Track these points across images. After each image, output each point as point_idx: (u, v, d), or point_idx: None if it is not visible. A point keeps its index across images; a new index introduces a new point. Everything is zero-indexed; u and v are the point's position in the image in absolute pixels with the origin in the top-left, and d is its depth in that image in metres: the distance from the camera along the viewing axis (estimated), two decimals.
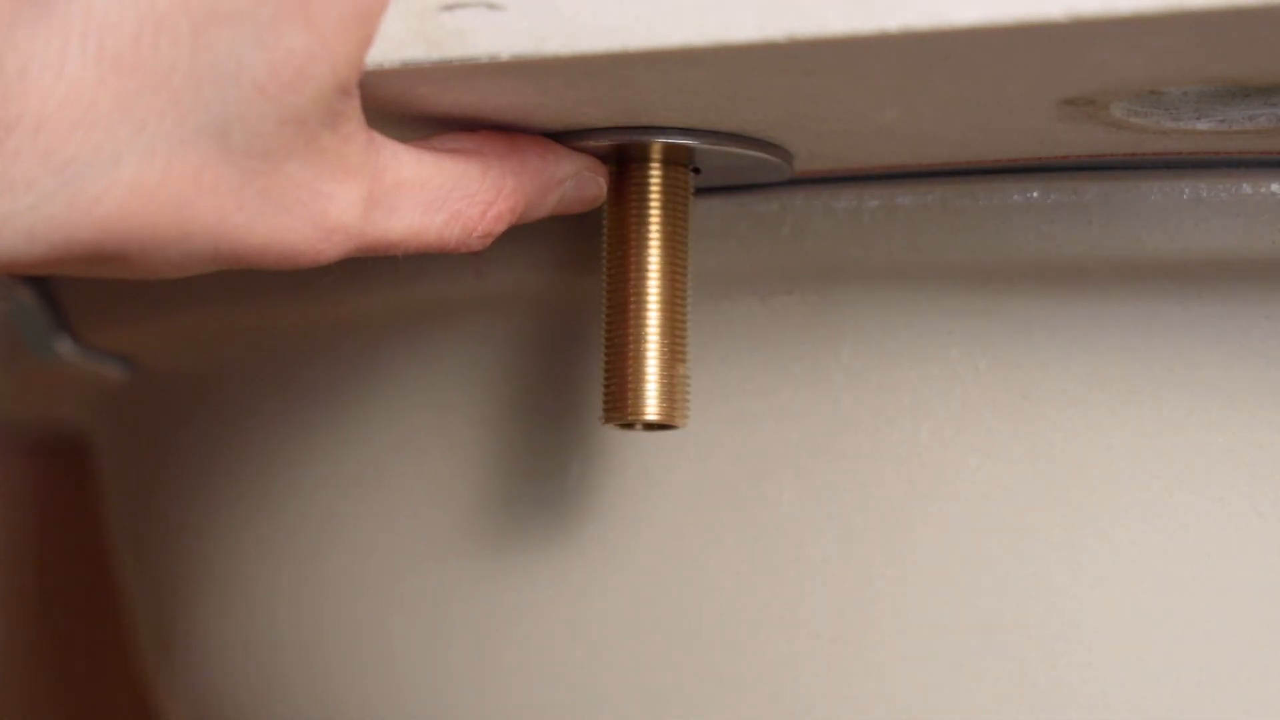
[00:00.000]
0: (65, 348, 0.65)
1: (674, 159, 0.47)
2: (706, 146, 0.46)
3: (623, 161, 0.48)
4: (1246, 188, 0.48)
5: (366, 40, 0.40)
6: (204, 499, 0.63)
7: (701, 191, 0.50)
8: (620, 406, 0.47)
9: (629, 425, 0.48)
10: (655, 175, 0.48)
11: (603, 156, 0.48)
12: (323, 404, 0.59)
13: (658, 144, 0.46)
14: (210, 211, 0.39)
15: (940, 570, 0.51)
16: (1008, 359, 0.51)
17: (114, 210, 0.38)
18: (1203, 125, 0.44)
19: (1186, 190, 0.48)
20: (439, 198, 0.43)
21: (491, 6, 0.40)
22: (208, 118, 0.38)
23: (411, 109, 0.44)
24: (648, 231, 0.47)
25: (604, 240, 0.48)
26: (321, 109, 0.40)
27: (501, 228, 0.44)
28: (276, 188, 0.40)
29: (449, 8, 0.41)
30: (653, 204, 0.48)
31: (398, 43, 0.41)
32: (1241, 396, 0.50)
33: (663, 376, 0.47)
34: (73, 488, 0.96)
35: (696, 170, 0.48)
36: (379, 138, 0.42)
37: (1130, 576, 0.50)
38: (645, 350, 0.47)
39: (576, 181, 0.46)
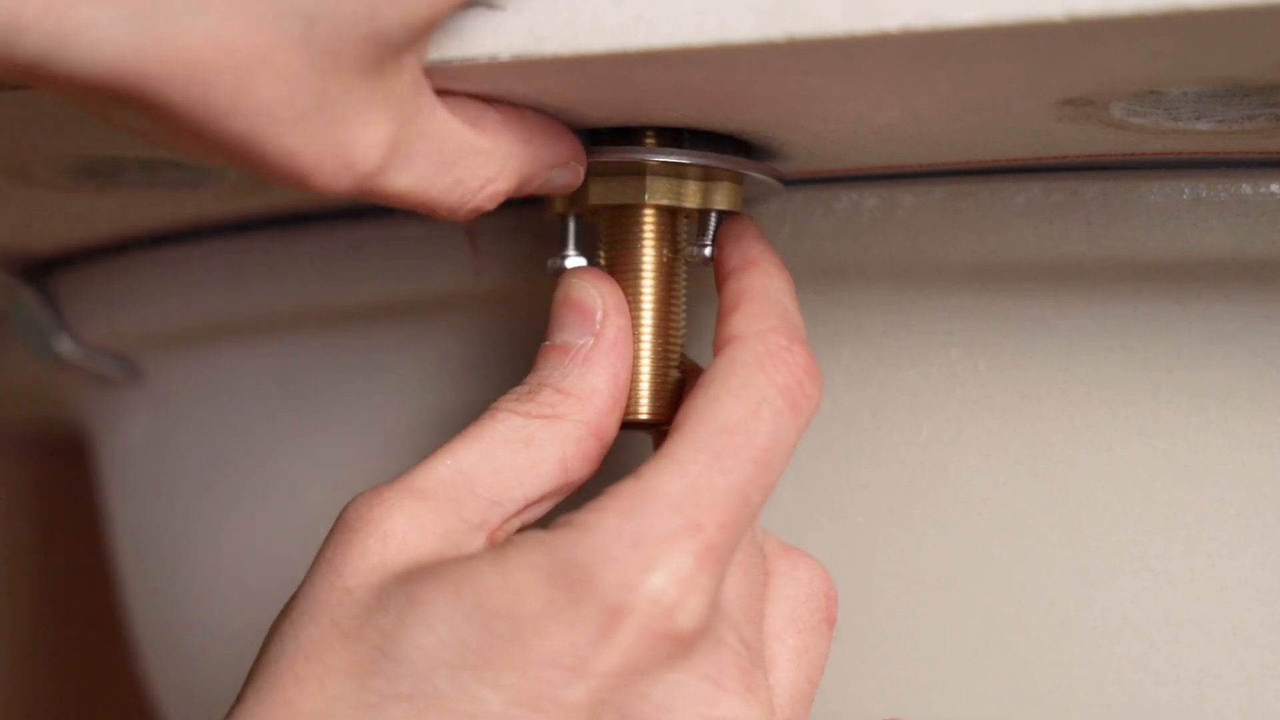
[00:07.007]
0: (65, 348, 0.65)
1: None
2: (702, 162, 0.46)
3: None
4: (1246, 188, 0.48)
5: None
6: (203, 498, 0.63)
7: None
8: None
9: (623, 425, 0.48)
10: None
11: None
12: (321, 403, 0.59)
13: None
14: (264, 95, 0.39)
15: (940, 570, 0.51)
16: (1007, 359, 0.51)
17: (182, 56, 0.37)
18: (1202, 125, 0.44)
19: (1186, 190, 0.48)
20: (450, 160, 0.43)
21: (491, 6, 0.40)
22: (301, 2, 0.38)
23: None
24: (642, 230, 0.47)
25: (600, 239, 0.48)
26: (404, 33, 0.39)
27: (491, 207, 0.44)
28: (329, 96, 0.39)
29: None
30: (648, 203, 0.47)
31: None
32: (1241, 396, 0.49)
33: (656, 376, 0.47)
34: (73, 488, 0.96)
35: None
36: (424, 82, 0.42)
37: (1130, 576, 0.50)
38: (639, 350, 0.47)
39: (564, 169, 0.46)
